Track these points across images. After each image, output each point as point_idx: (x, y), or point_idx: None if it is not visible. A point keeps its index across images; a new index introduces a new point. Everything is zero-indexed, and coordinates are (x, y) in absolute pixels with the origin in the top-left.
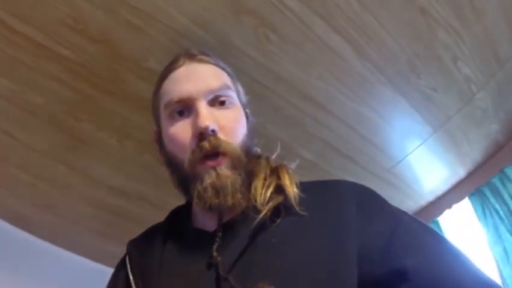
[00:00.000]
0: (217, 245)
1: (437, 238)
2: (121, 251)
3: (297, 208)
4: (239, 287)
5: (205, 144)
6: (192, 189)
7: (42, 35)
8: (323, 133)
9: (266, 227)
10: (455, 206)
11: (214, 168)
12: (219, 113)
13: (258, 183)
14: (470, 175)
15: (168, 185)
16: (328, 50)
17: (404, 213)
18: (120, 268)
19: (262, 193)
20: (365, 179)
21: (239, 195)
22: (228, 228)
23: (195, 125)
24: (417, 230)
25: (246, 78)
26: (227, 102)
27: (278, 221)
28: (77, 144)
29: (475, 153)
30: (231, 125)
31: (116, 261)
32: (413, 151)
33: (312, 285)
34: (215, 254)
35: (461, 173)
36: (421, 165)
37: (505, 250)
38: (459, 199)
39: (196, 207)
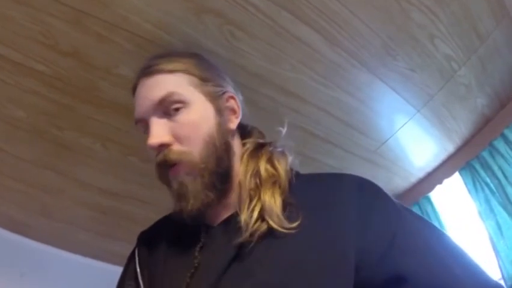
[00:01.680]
0: (200, 246)
1: (439, 237)
2: (118, 248)
3: (284, 230)
4: None
5: (159, 157)
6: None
7: (16, 53)
8: (302, 122)
9: (257, 239)
10: (446, 181)
11: (175, 176)
12: (172, 123)
13: (243, 199)
14: (459, 150)
15: (154, 182)
16: (297, 42)
17: (408, 211)
18: (130, 260)
19: (247, 217)
20: (350, 161)
21: (204, 199)
22: (220, 228)
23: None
24: (419, 231)
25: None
26: (182, 108)
27: (267, 236)
28: (63, 152)
29: (463, 128)
30: (185, 132)
31: (115, 257)
32: (397, 131)
33: None
34: (196, 254)
35: (450, 148)
36: (408, 143)
37: (497, 223)
38: (449, 174)
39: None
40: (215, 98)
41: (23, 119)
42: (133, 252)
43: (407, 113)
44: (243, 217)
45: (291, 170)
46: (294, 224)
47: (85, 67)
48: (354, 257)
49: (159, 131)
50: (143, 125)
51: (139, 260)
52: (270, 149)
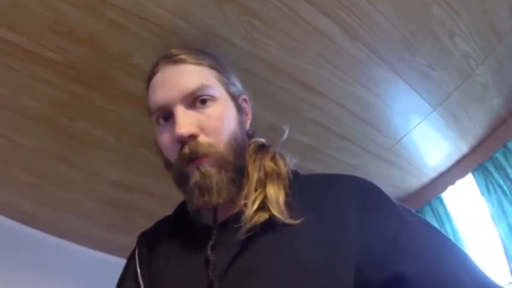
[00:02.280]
0: (211, 244)
1: (443, 241)
2: (128, 241)
3: (285, 221)
4: None
5: (185, 150)
6: (182, 189)
7: (29, 41)
8: (318, 116)
9: (260, 234)
10: (458, 182)
11: (197, 167)
12: (200, 114)
13: (249, 192)
14: (473, 151)
15: (166, 176)
16: (317, 34)
17: (410, 213)
18: (130, 261)
19: (249, 207)
20: (366, 159)
21: (226, 193)
22: (227, 224)
23: (173, 134)
24: (421, 233)
25: (233, 67)
26: (209, 101)
27: (270, 230)
28: (74, 143)
29: (477, 128)
30: (213, 125)
31: (125, 251)
32: (412, 129)
33: None
34: (209, 252)
35: (464, 148)
36: (422, 142)
37: (509, 226)
38: (462, 175)
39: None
40: (235, 97)
41: (34, 108)
42: (132, 253)
43: (422, 111)
44: (248, 211)
45: (290, 170)
46: (295, 217)
47: (100, 56)
48: (355, 257)
49: (187, 121)
50: (163, 113)
51: (139, 260)
52: (271, 149)
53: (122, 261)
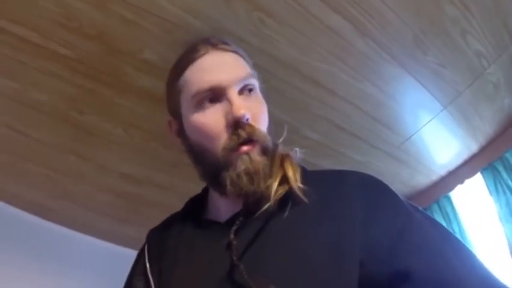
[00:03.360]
0: (235, 228)
1: (448, 238)
2: (138, 233)
3: (302, 196)
4: (247, 278)
5: (242, 132)
6: (224, 177)
7: (39, 36)
8: (327, 113)
9: (275, 220)
10: (467, 181)
11: (247, 153)
12: (249, 102)
13: (272, 177)
14: (482, 150)
15: (175, 169)
16: (327, 30)
17: (416, 209)
18: (140, 256)
19: (272, 184)
20: (374, 156)
21: (267, 181)
22: (248, 210)
23: (230, 113)
24: (427, 229)
25: None
26: (253, 91)
27: (286, 213)
28: (84, 136)
29: (487, 127)
30: (260, 113)
31: (135, 242)
32: (422, 127)
33: (311, 285)
34: (232, 237)
35: (474, 147)
36: (431, 141)
37: None
38: (471, 174)
39: (224, 196)
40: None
41: (45, 102)
42: (142, 249)
43: (433, 110)
44: (272, 189)
45: (300, 166)
46: (308, 197)
47: (109, 51)
48: (359, 253)
49: (243, 104)
50: (211, 95)
51: (148, 255)
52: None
53: (131, 252)
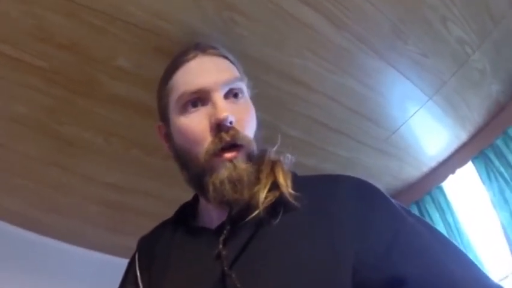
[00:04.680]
0: (223, 238)
1: (442, 241)
2: (127, 242)
3: (294, 202)
4: (240, 287)
5: (225, 135)
6: (207, 183)
7: (12, 48)
8: (307, 110)
9: (266, 227)
10: (458, 171)
11: (230, 160)
12: (234, 106)
13: (261, 183)
14: (472, 138)
15: (160, 175)
16: (301, 25)
17: (409, 213)
18: (130, 265)
19: (260, 193)
20: (361, 151)
21: (251, 188)
22: (236, 220)
23: (213, 116)
24: (420, 233)
25: None
26: (240, 95)
27: (277, 220)
28: (65, 147)
29: (476, 115)
30: (246, 118)
31: (124, 251)
32: (408, 119)
33: None
34: (221, 247)
35: (463, 136)
36: (419, 132)
37: (511, 214)
38: (462, 163)
39: (209, 203)
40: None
41: (24, 114)
42: (133, 257)
43: (418, 100)
44: (258, 197)
45: (290, 171)
46: (300, 202)
47: (83, 60)
48: (353, 258)
49: (228, 108)
50: (195, 98)
51: (139, 264)
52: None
53: (122, 262)
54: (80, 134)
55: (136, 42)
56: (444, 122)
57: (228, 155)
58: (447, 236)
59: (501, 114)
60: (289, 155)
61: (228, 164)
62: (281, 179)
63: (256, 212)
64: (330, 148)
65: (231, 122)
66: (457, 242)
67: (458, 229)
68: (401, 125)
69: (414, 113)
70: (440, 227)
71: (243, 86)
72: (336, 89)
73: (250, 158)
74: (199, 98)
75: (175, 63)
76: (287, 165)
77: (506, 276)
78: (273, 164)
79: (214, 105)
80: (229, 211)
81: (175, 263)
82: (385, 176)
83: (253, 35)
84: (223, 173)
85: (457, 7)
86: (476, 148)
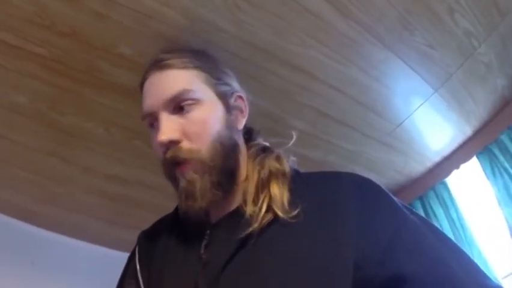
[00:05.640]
0: (205, 243)
1: (443, 240)
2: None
3: (288, 220)
4: None
5: (167, 155)
6: (176, 192)
7: (13, 36)
8: (313, 101)
9: (258, 234)
10: (463, 166)
11: (182, 173)
12: (183, 119)
13: (249, 192)
14: (477, 133)
15: (160, 167)
16: (307, 13)
17: (411, 211)
18: (131, 259)
19: (255, 209)
20: (365, 145)
21: (209, 197)
22: (223, 222)
23: (156, 139)
24: (422, 232)
25: (222, 53)
26: (191, 105)
27: (270, 227)
28: (65, 138)
29: (481, 110)
30: (195, 130)
31: (124, 244)
32: (413, 112)
33: None
34: (202, 251)
35: (468, 131)
36: (424, 126)
37: None
38: (467, 159)
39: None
40: (225, 97)
41: (24, 104)
42: (133, 251)
43: (423, 93)
44: (249, 209)
45: (292, 169)
46: (297, 213)
47: (84, 48)
48: (354, 256)
49: (169, 128)
50: (151, 120)
51: (139, 258)
52: (275, 150)
53: (121, 255)
54: (81, 124)
55: (138, 29)
56: (449, 116)
57: (178, 169)
58: (451, 231)
59: (506, 109)
60: (294, 159)
61: (181, 178)
62: (277, 199)
63: (251, 228)
64: (334, 140)
65: (172, 142)
66: (460, 238)
67: (462, 225)
68: (406, 118)
69: (420, 105)
70: (444, 223)
71: (191, 94)
72: (341, 79)
73: (203, 168)
74: (152, 120)
75: (140, 84)
76: (290, 169)
77: (511, 273)
78: (270, 176)
79: (157, 128)
80: (206, 217)
81: (172, 259)
82: (389, 171)
83: (257, 22)
84: (180, 184)
85: None
86: (481, 143)
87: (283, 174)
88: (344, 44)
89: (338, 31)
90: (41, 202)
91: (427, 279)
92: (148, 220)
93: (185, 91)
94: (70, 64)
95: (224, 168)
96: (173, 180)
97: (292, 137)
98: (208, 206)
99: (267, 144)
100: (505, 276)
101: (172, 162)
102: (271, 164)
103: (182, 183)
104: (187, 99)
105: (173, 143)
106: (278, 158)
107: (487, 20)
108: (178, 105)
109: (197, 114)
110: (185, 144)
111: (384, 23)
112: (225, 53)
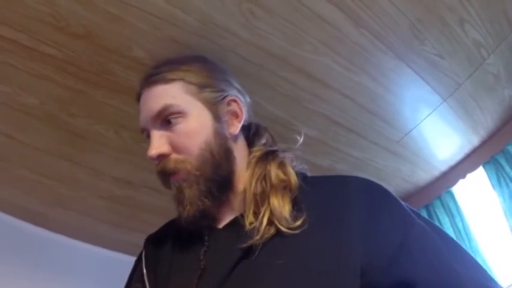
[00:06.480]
0: (204, 250)
1: (450, 245)
2: (133, 238)
3: (291, 232)
4: None
5: (158, 167)
6: None
7: (26, 37)
8: (323, 108)
9: (261, 244)
10: (469, 176)
11: (173, 182)
12: (170, 133)
13: (248, 202)
14: (484, 143)
15: None
16: (320, 21)
17: (418, 215)
18: (137, 262)
19: (255, 221)
20: (373, 152)
21: (201, 205)
22: (225, 230)
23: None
24: (430, 237)
25: (235, 58)
26: (177, 118)
27: (273, 238)
28: (76, 140)
29: (489, 120)
30: (181, 142)
31: (130, 248)
32: (421, 121)
33: None
34: (201, 258)
35: (475, 141)
36: (432, 135)
37: None
38: (473, 168)
39: None
40: (213, 104)
41: (35, 106)
42: (140, 255)
43: (432, 103)
44: (249, 220)
45: (300, 173)
46: (300, 223)
47: (97, 50)
48: (361, 261)
49: (158, 142)
50: (146, 134)
51: (145, 262)
52: (281, 154)
53: (128, 258)
54: (92, 126)
55: (152, 32)
56: (456, 125)
57: (171, 179)
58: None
59: None
60: (303, 165)
61: (173, 186)
62: (277, 212)
63: (252, 241)
64: (343, 148)
65: (161, 155)
66: (466, 247)
67: (467, 234)
68: (414, 127)
69: (428, 115)
70: (450, 232)
71: (176, 108)
72: (352, 87)
73: (191, 177)
74: (146, 134)
75: (136, 99)
76: (296, 177)
77: None
78: (270, 189)
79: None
80: (203, 225)
81: (178, 263)
82: (396, 179)
83: (271, 28)
84: (172, 193)
85: (474, 9)
86: (487, 153)
87: (285, 186)
88: (356, 52)
89: (350, 39)
90: (49, 204)
91: (435, 283)
92: (155, 223)
93: (167, 106)
94: (83, 66)
95: (214, 177)
96: (169, 188)
97: (297, 143)
98: (198, 213)
99: (273, 148)
100: (509, 286)
101: (163, 174)
102: (273, 172)
103: (174, 191)
104: (170, 114)
105: (163, 156)
106: (282, 165)
107: (496, 30)
108: (165, 119)
109: (182, 126)
110: (173, 156)
111: (395, 32)
112: (237, 57)
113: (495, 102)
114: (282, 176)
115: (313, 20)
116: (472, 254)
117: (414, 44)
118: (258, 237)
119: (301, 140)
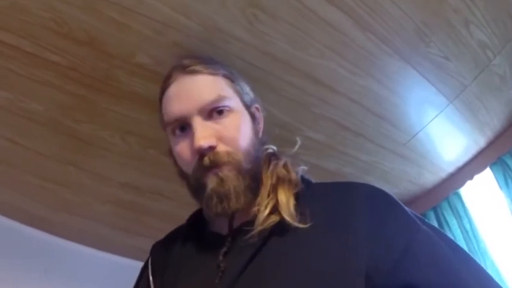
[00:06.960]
0: (224, 250)
1: (456, 251)
2: (140, 243)
3: (295, 224)
4: None
5: (205, 160)
6: (201, 199)
7: (28, 43)
8: (329, 112)
9: (272, 240)
10: (476, 177)
11: (215, 173)
12: (217, 125)
13: (262, 197)
14: (490, 144)
15: (176, 177)
16: (325, 25)
17: (422, 221)
18: (144, 270)
19: (261, 211)
20: (380, 155)
21: (243, 200)
22: (239, 232)
23: (191, 145)
24: (434, 242)
25: (239, 63)
26: (225, 112)
27: (283, 236)
28: (81, 145)
29: (495, 121)
30: (231, 135)
31: (137, 253)
32: (428, 123)
33: None
34: (221, 258)
35: (482, 142)
36: (438, 137)
37: None
38: (480, 169)
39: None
40: (249, 107)
41: (39, 112)
42: (146, 262)
43: (438, 105)
44: (260, 215)
45: (303, 178)
46: (304, 218)
47: (101, 56)
48: (366, 264)
49: (206, 133)
50: (180, 124)
51: (151, 269)
52: (283, 157)
53: (134, 263)
54: (97, 132)
55: (156, 38)
56: (463, 127)
57: (212, 171)
58: (464, 242)
59: None
60: (302, 167)
61: (213, 177)
62: (283, 203)
63: (253, 232)
64: (350, 151)
65: (210, 147)
66: (474, 249)
67: (475, 235)
68: (421, 130)
69: (435, 117)
70: (457, 233)
71: (227, 101)
72: (358, 91)
73: (239, 169)
74: (182, 124)
75: (162, 87)
76: (294, 179)
77: None
78: (277, 182)
79: (193, 134)
80: (229, 222)
81: (184, 273)
82: (403, 181)
83: (275, 32)
84: (209, 186)
85: (479, 10)
86: (494, 154)
87: (290, 180)
88: (361, 56)
89: (356, 43)
90: (55, 209)
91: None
92: (162, 229)
93: (220, 97)
94: (86, 72)
95: (254, 174)
96: (200, 188)
97: (304, 148)
98: (241, 208)
99: (275, 148)
100: None
101: (209, 168)
102: (279, 170)
103: (213, 183)
104: (221, 106)
105: (210, 149)
106: (285, 166)
107: (502, 31)
108: (213, 111)
109: (231, 120)
110: (222, 148)
111: (401, 35)
112: (242, 62)
113: (501, 103)
114: (286, 173)
115: (319, 24)
116: (481, 256)
117: (420, 47)
118: (261, 227)
119: (299, 143)
